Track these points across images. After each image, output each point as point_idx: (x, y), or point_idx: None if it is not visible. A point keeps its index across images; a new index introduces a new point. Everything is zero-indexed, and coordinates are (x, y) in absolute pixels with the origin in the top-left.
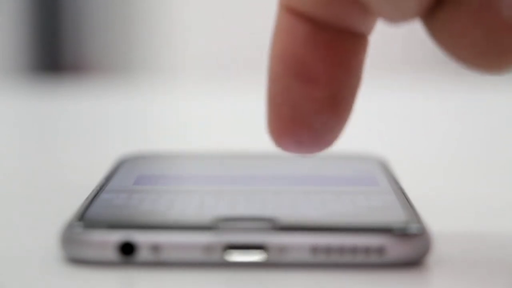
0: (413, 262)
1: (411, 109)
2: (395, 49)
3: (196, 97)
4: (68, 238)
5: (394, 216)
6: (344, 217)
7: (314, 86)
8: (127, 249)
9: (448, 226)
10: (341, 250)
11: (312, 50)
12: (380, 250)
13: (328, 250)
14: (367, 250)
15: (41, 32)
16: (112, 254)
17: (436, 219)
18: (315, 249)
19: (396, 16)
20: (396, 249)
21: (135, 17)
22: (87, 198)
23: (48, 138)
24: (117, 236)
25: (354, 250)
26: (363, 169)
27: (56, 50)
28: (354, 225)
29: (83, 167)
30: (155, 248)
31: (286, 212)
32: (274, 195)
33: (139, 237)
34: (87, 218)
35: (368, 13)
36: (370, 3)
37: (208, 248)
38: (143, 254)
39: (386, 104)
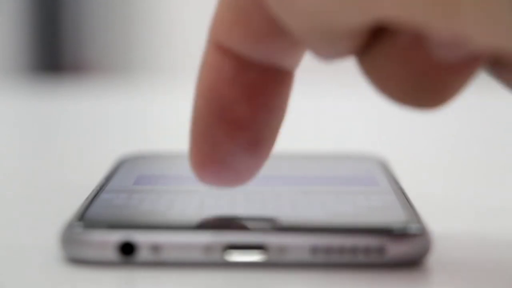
0: (413, 262)
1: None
2: None
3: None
4: (68, 238)
5: (394, 216)
6: (344, 217)
7: (236, 128)
8: (127, 249)
9: (448, 226)
10: (341, 250)
11: (237, 91)
12: (380, 250)
13: (328, 250)
14: (367, 250)
15: (41, 32)
16: (112, 254)
17: (436, 219)
18: (315, 249)
19: (328, 57)
20: (396, 249)
21: (135, 17)
22: (87, 198)
23: (48, 138)
24: (117, 236)
25: (354, 250)
26: (363, 169)
27: (56, 50)
28: (354, 225)
29: (83, 167)
30: (155, 248)
31: (286, 212)
32: (274, 195)
33: (139, 237)
34: (87, 218)
35: (296, 50)
36: (305, 43)
37: (208, 248)
38: (143, 254)
39: (386, 104)
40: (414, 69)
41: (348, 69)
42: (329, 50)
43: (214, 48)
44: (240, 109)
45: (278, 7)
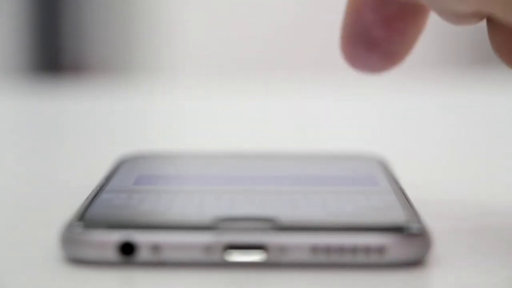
0: (413, 262)
1: (411, 109)
2: None
3: (196, 97)
4: (68, 238)
5: (394, 216)
6: (344, 217)
7: (372, 45)
8: (127, 249)
9: (448, 226)
10: (341, 250)
11: (376, 16)
12: (380, 250)
13: (328, 250)
14: (367, 250)
15: (41, 32)
16: (112, 254)
17: (436, 219)
18: (315, 249)
19: (457, 23)
20: (396, 249)
21: (135, 17)
22: (87, 198)
23: (48, 138)
24: (117, 236)
25: (354, 250)
26: (363, 169)
27: (56, 50)
28: (354, 225)
29: (83, 167)
30: (155, 248)
31: (286, 212)
32: (274, 195)
33: (139, 237)
34: (87, 218)
35: None
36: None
37: (208, 248)
38: (143, 254)
39: (386, 104)
40: None
41: (348, 69)
42: (455, 21)
43: None
44: (377, 31)
45: None
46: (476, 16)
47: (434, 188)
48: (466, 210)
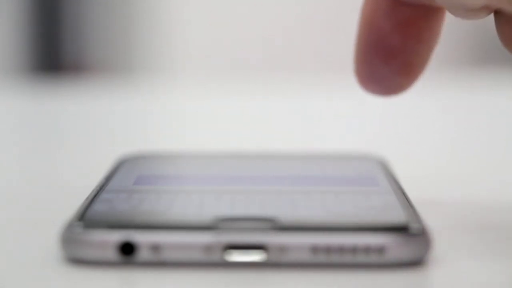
0: (413, 262)
1: (411, 109)
2: None
3: (196, 97)
4: (68, 238)
5: (394, 216)
6: (344, 217)
7: (390, 54)
8: (127, 249)
9: (448, 226)
10: (341, 250)
11: (391, 23)
12: (380, 250)
13: (328, 250)
14: (367, 250)
15: (41, 32)
16: (112, 254)
17: (436, 219)
18: (315, 249)
19: (466, 17)
20: (396, 249)
21: (135, 17)
22: (87, 198)
23: (48, 138)
24: (117, 236)
25: (354, 250)
26: (363, 169)
27: (56, 50)
28: (354, 225)
29: (83, 167)
30: (155, 248)
31: (286, 212)
32: (274, 195)
33: (139, 237)
34: (87, 218)
35: None
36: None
37: (208, 248)
38: (143, 254)
39: (386, 104)
40: None
41: (348, 69)
42: (464, 15)
43: None
44: (393, 39)
45: None
46: (485, 9)
47: (434, 188)
48: (466, 210)
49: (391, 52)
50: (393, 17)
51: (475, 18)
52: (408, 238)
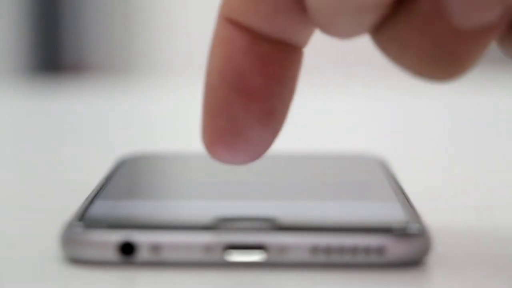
0: (413, 262)
1: (410, 109)
2: None
3: (196, 97)
4: (68, 238)
5: (394, 216)
6: (344, 217)
7: (251, 98)
8: (127, 249)
9: (448, 226)
10: (341, 250)
11: (250, 62)
12: (380, 250)
13: (328, 250)
14: (367, 250)
15: (41, 32)
16: (112, 254)
17: (436, 219)
18: (315, 249)
19: (346, 34)
20: (396, 249)
21: (135, 17)
22: (87, 198)
23: (48, 138)
24: (117, 236)
25: (354, 250)
26: (363, 169)
27: (56, 50)
28: (354, 225)
29: (83, 167)
30: (155, 248)
31: (286, 212)
32: (274, 195)
33: (139, 237)
34: (87, 218)
35: (309, 26)
36: (319, 21)
37: (208, 248)
38: (143, 254)
39: (386, 104)
40: (433, 37)
41: (348, 69)
42: (348, 27)
43: (226, 22)
44: (254, 79)
45: None
46: (387, 5)
47: (434, 188)
48: (466, 210)
49: (252, 95)
50: (252, 53)
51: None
52: (408, 238)
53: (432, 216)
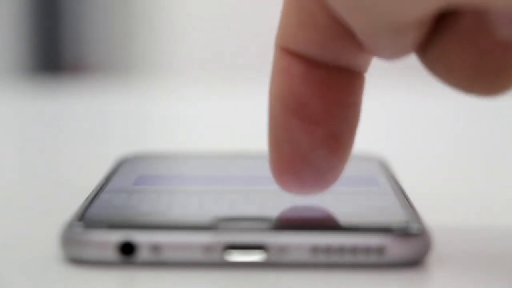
0: (413, 262)
1: (411, 109)
2: None
3: (196, 97)
4: (68, 238)
5: (394, 216)
6: (344, 217)
7: (313, 124)
8: (127, 249)
9: (448, 226)
10: (341, 250)
11: (309, 88)
12: (380, 250)
13: (328, 250)
14: (367, 250)
15: (41, 32)
16: (112, 254)
17: (436, 219)
18: (315, 249)
19: (393, 54)
20: (396, 249)
21: (135, 17)
22: (87, 198)
23: (48, 138)
24: (117, 236)
25: (354, 250)
26: (363, 169)
27: (56, 50)
28: (354, 225)
29: (83, 167)
30: (155, 248)
31: (286, 212)
32: (274, 195)
33: (139, 237)
34: (87, 218)
35: (363, 51)
36: (366, 43)
37: (208, 248)
38: (143, 254)
39: (386, 104)
40: (479, 52)
41: None
42: (392, 47)
43: (282, 52)
44: (314, 104)
45: (342, 7)
46: (426, 25)
47: (434, 188)
48: (466, 210)
49: (313, 120)
50: (310, 80)
51: (407, 50)
52: (408, 238)
53: (432, 216)
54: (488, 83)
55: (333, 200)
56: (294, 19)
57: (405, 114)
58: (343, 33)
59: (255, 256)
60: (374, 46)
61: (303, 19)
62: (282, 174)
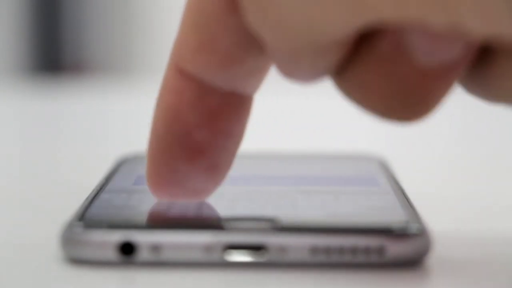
0: (413, 262)
1: None
2: None
3: None
4: (68, 238)
5: (394, 216)
6: (344, 217)
7: (196, 153)
8: (127, 249)
9: (448, 226)
10: (341, 250)
11: (198, 117)
12: (380, 250)
13: (328, 250)
14: (367, 250)
15: (41, 32)
16: (112, 254)
17: (436, 219)
18: (315, 249)
19: (309, 77)
20: (396, 249)
21: (135, 17)
22: (87, 198)
23: (48, 138)
24: (117, 236)
25: (354, 250)
26: (363, 169)
27: (56, 50)
28: (354, 225)
29: (83, 167)
30: (155, 248)
31: (286, 212)
32: (274, 195)
33: (139, 237)
34: (87, 218)
35: (259, 75)
36: (281, 65)
37: (208, 248)
38: (143, 254)
39: None
40: (396, 78)
41: None
42: (310, 69)
43: (176, 72)
44: (201, 134)
45: (260, 24)
46: (345, 47)
47: (434, 188)
48: (466, 210)
49: (198, 150)
50: (200, 108)
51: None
52: (408, 238)
53: (432, 216)
54: (406, 110)
55: (333, 200)
56: (194, 39)
57: None
58: (246, 56)
59: (255, 256)
60: (290, 67)
61: (204, 40)
62: (156, 190)
